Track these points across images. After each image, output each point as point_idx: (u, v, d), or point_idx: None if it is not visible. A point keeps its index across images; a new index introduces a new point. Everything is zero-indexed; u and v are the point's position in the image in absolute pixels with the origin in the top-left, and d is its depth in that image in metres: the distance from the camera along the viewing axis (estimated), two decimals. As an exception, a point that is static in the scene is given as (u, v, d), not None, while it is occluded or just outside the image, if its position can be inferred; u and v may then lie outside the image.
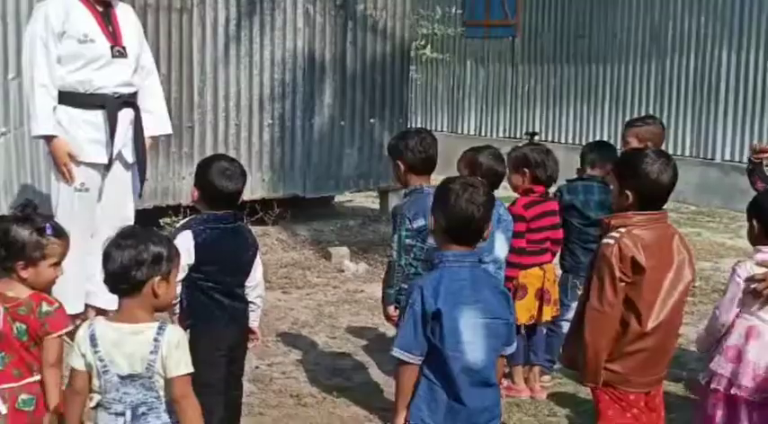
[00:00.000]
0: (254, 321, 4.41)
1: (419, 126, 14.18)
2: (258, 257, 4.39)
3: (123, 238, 3.25)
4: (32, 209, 3.65)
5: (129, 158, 5.89)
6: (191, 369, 3.29)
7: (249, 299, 4.35)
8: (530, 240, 5.26)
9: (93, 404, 3.34)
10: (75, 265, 5.87)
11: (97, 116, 5.71)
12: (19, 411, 3.53)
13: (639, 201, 3.84)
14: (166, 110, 6.21)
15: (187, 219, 4.36)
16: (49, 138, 5.67)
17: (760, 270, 4.01)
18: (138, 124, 5.88)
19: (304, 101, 8.96)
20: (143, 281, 3.20)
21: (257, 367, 5.71)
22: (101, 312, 5.97)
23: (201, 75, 8.37)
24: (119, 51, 5.73)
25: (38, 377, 3.59)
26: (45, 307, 3.58)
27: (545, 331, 5.53)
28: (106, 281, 3.27)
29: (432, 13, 12.62)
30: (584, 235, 5.50)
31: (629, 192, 3.84)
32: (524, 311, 5.25)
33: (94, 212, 5.87)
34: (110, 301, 5.96)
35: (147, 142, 5.99)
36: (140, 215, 7.78)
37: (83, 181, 5.75)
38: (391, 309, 4.78)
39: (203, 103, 8.42)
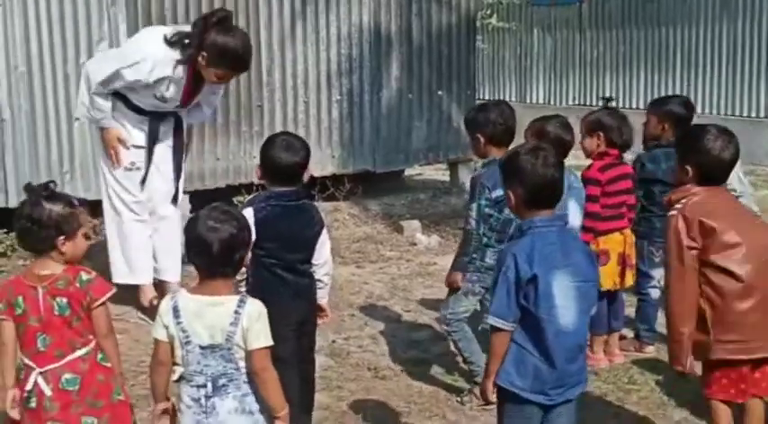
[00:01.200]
0: (322, 297, 4.43)
1: (487, 97, 14.13)
2: (325, 235, 4.39)
3: (213, 220, 3.35)
4: (54, 186, 3.72)
5: (169, 142, 5.99)
6: (270, 342, 3.36)
7: (316, 277, 4.37)
8: (605, 204, 5.21)
9: (176, 377, 3.42)
10: (141, 236, 6.03)
11: (141, 117, 5.84)
12: (63, 391, 3.57)
13: (699, 177, 3.85)
14: (211, 109, 6.27)
15: (252, 196, 4.39)
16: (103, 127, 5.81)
17: None
18: (178, 127, 5.98)
19: (371, 75, 8.96)
20: (241, 259, 3.34)
21: (334, 342, 5.75)
22: (164, 284, 6.10)
23: (269, 54, 8.41)
24: (181, 106, 5.85)
25: (80, 353, 3.61)
26: (84, 276, 3.65)
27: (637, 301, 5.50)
28: (203, 264, 3.36)
29: (497, -17, 12.55)
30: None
31: (689, 167, 3.86)
32: (608, 277, 5.20)
33: (146, 189, 5.98)
34: (174, 274, 6.14)
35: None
36: (213, 194, 7.92)
37: (133, 159, 5.87)
38: (459, 276, 4.80)
39: (271, 82, 8.46)
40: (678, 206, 3.83)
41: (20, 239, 3.71)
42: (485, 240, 4.76)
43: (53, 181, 3.76)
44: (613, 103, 5.63)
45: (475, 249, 4.79)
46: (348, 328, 6.03)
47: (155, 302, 6.10)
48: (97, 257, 6.85)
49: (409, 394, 5.08)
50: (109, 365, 3.69)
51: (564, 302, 3.43)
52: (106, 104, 5.73)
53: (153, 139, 5.89)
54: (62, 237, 3.61)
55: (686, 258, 3.77)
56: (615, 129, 5.28)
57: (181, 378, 3.42)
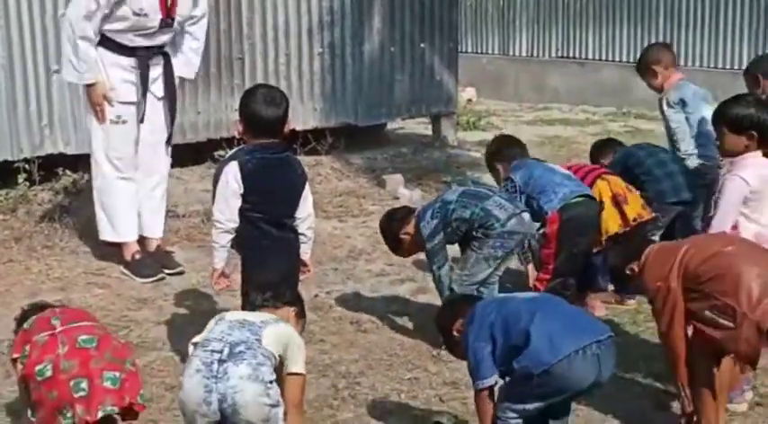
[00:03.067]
0: (305, 253, 4.44)
1: (470, 49, 14.04)
2: (307, 189, 4.39)
3: None
4: None
5: (159, 93, 5.95)
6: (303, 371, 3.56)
7: (300, 231, 4.37)
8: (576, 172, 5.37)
9: (195, 339, 3.44)
10: (126, 192, 6.00)
11: (129, 61, 5.83)
12: (80, 349, 3.57)
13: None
14: (199, 58, 6.23)
15: (234, 150, 4.37)
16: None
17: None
18: (167, 64, 5.96)
19: (353, 27, 8.88)
20: None
21: (316, 296, 5.76)
22: (148, 240, 6.10)
23: (250, 6, 8.31)
24: (167, 22, 5.81)
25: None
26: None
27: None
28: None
29: (479, -67, 12.42)
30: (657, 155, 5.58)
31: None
32: (611, 220, 5.27)
33: (134, 142, 5.95)
34: (158, 231, 6.13)
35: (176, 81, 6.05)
36: (194, 148, 7.88)
37: (118, 113, 5.83)
38: None
39: (252, 34, 8.37)
40: None
41: None
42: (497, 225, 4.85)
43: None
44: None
45: (496, 219, 4.84)
46: (331, 282, 6.04)
47: (137, 256, 6.10)
48: (83, 212, 6.86)
49: (391, 347, 5.10)
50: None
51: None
52: (91, 51, 5.67)
53: (144, 89, 5.83)
54: None
55: None
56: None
57: (195, 344, 3.42)
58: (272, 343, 3.40)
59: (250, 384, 3.31)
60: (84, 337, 3.57)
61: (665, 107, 5.74)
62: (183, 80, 6.24)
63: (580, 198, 5.13)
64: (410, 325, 5.37)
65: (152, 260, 6.12)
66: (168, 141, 6.13)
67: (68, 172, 7.34)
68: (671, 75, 5.82)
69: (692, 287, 3.78)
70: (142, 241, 6.17)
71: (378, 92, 9.12)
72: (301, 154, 7.74)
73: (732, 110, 4.36)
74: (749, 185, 4.21)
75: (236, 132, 4.39)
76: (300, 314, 3.82)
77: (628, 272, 4.05)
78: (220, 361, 3.32)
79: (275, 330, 3.47)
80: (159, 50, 5.93)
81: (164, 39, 5.91)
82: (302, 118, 8.51)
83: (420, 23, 9.29)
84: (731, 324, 3.65)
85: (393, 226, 5.14)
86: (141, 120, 5.92)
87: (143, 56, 5.83)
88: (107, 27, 5.72)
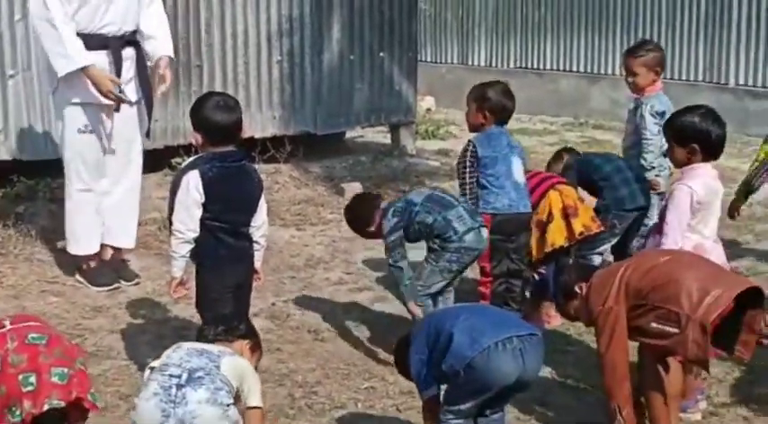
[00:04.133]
0: (257, 261, 4.43)
1: (429, 59, 14.09)
2: (263, 197, 4.39)
3: None
4: None
5: (133, 96, 5.87)
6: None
7: (254, 238, 4.37)
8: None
9: (153, 364, 3.43)
10: (89, 205, 5.93)
11: (100, 55, 5.69)
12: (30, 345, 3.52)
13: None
14: (170, 34, 6.07)
15: (192, 158, 4.35)
16: (84, 70, 5.61)
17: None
18: (140, 62, 5.85)
19: (312, 36, 8.87)
20: None
21: (273, 304, 5.74)
22: (116, 250, 6.03)
23: (208, 12, 8.28)
24: None
25: None
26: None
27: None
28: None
29: (439, -57, 12.47)
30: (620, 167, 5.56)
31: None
32: (558, 232, 5.26)
33: (100, 152, 5.88)
34: (127, 240, 6.07)
35: (164, 63, 5.84)
36: (151, 155, 7.81)
37: (86, 122, 5.76)
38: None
39: (210, 41, 8.34)
40: None
41: None
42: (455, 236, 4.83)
43: None
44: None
45: (454, 232, 4.82)
46: (288, 290, 6.03)
47: (92, 264, 6.05)
48: (37, 219, 6.81)
49: (349, 356, 5.09)
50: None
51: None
52: (73, 35, 5.54)
53: (117, 72, 5.70)
54: None
55: None
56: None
57: (152, 368, 3.40)
58: (229, 374, 3.40)
59: (208, 407, 3.29)
60: (34, 334, 3.53)
61: (645, 114, 5.64)
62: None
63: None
64: (368, 334, 5.37)
65: (108, 269, 6.06)
66: (140, 145, 6.05)
67: (23, 178, 7.27)
68: (657, 81, 5.80)
69: (636, 303, 3.84)
70: (114, 251, 6.10)
71: (337, 100, 9.12)
72: (260, 162, 7.73)
73: (676, 122, 4.44)
74: (697, 195, 4.27)
75: (193, 141, 4.36)
76: (255, 347, 3.82)
77: (577, 290, 4.09)
78: (179, 386, 3.30)
79: (232, 361, 3.47)
80: (131, 40, 5.79)
81: (125, 14, 5.73)
82: (261, 125, 8.49)
83: (379, 33, 9.31)
84: (677, 330, 3.71)
85: (359, 223, 5.18)
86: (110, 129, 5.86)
87: (115, 47, 5.69)
88: (64, 13, 5.56)
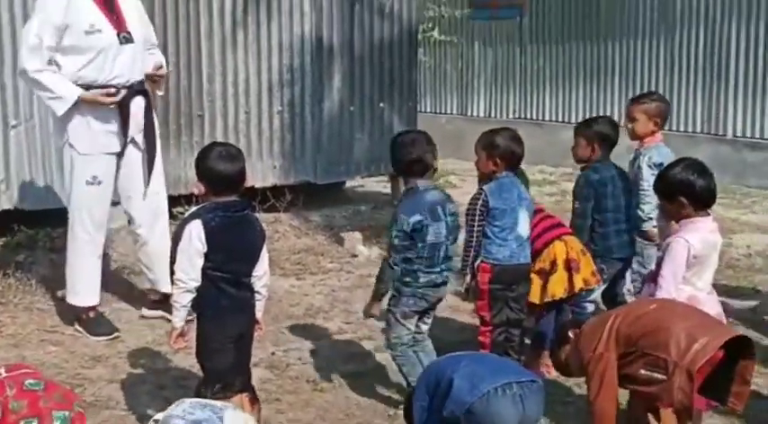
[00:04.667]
0: (258, 310, 4.43)
1: (428, 109, 14.19)
2: (264, 247, 4.40)
3: None
4: None
5: (143, 144, 5.94)
6: None
7: (255, 288, 4.37)
8: (539, 224, 5.25)
9: (157, 417, 3.45)
10: (92, 257, 5.96)
11: (109, 107, 5.73)
12: (28, 391, 3.53)
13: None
14: (164, 59, 6.23)
15: (195, 208, 4.37)
16: (80, 99, 5.67)
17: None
18: (148, 111, 5.91)
19: (313, 86, 8.95)
20: None
21: (273, 354, 5.73)
22: (165, 296, 5.99)
23: (210, 63, 8.36)
24: (125, 37, 5.77)
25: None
26: None
27: (571, 312, 5.55)
28: None
29: (438, -4, 12.60)
30: (618, 214, 5.52)
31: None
32: (559, 284, 5.24)
33: (107, 203, 5.93)
34: (165, 282, 6.08)
35: (161, 72, 6.01)
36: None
37: (95, 174, 5.79)
38: (376, 306, 4.96)
39: (212, 91, 8.41)
40: None
41: None
42: (414, 267, 4.79)
43: None
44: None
45: (405, 274, 4.80)
46: (287, 340, 6.01)
47: (90, 314, 6.04)
48: (37, 268, 6.81)
49: (347, 407, 5.07)
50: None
51: None
52: (54, 76, 5.62)
53: (125, 121, 5.78)
54: None
55: None
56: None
57: (156, 421, 3.40)
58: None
59: None
60: (30, 380, 3.55)
61: (643, 165, 5.68)
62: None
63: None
64: (367, 385, 5.35)
65: (106, 318, 6.07)
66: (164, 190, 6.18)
67: (24, 228, 7.29)
68: (656, 132, 5.82)
69: (626, 350, 3.86)
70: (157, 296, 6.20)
71: (337, 150, 9.17)
72: (260, 211, 7.75)
73: (661, 178, 4.48)
74: (693, 249, 4.28)
75: (195, 190, 4.38)
76: (254, 400, 3.83)
77: (570, 335, 4.12)
78: None
79: (235, 415, 3.46)
80: (139, 89, 5.85)
81: (134, 65, 5.80)
82: (261, 175, 8.53)
83: (379, 83, 9.38)
84: (664, 376, 3.74)
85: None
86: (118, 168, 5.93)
87: (123, 96, 5.75)
88: (74, 66, 5.65)
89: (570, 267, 5.28)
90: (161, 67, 6.05)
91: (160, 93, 6.27)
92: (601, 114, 12.49)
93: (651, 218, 5.64)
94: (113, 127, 5.79)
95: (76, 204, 5.88)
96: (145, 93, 5.89)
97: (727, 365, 3.82)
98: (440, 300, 5.01)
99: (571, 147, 5.62)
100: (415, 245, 4.76)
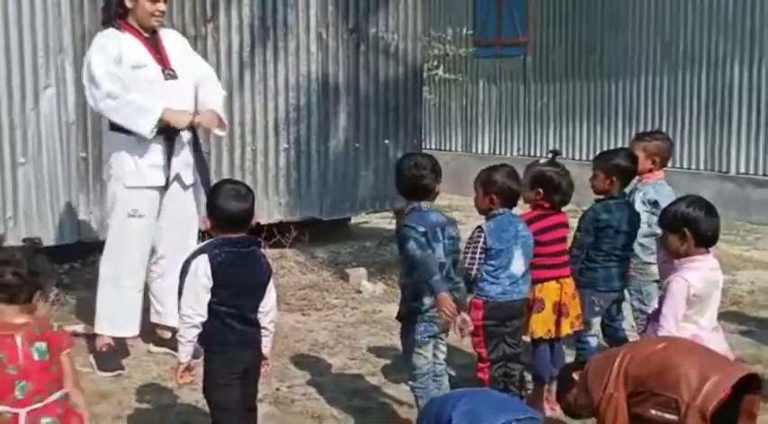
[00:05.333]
0: (265, 346, 4.45)
1: (434, 147, 14.28)
2: (271, 282, 4.44)
3: None
4: (39, 242, 3.75)
5: (188, 180, 6.01)
6: None
7: (262, 324, 4.40)
8: (541, 253, 5.25)
9: None
10: (133, 291, 6.02)
11: (155, 139, 5.85)
12: None
13: None
14: (222, 108, 6.25)
15: (202, 244, 4.42)
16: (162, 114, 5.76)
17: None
18: (196, 145, 6.04)
19: (319, 124, 9.03)
20: None
21: (278, 389, 5.74)
22: (174, 331, 6.03)
23: (216, 101, 8.43)
24: (169, 74, 5.92)
25: (56, 396, 3.63)
26: (54, 324, 3.71)
27: (576, 348, 5.58)
28: None
29: (443, 34, 12.72)
30: (613, 252, 5.54)
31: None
32: (542, 324, 5.28)
33: (149, 238, 6.00)
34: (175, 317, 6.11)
35: (209, 117, 6.02)
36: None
37: (136, 206, 5.88)
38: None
39: (219, 129, 8.47)
40: None
41: (5, 286, 3.61)
42: (417, 288, 4.81)
43: (39, 238, 3.80)
44: (560, 157, 5.70)
45: (410, 297, 4.83)
46: (292, 376, 6.03)
47: (104, 349, 6.08)
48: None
49: (352, 443, 5.09)
50: (80, 411, 3.72)
51: None
52: (135, 97, 5.71)
53: (169, 155, 5.86)
54: (39, 292, 3.64)
55: None
56: (555, 187, 5.37)
57: None
58: None
59: None
60: (46, 420, 3.59)
61: (637, 200, 5.77)
62: None
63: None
64: (371, 421, 5.37)
65: (116, 355, 6.10)
66: (196, 229, 6.17)
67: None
68: (656, 170, 5.89)
69: (636, 390, 3.85)
70: (162, 329, 6.25)
71: (342, 187, 9.24)
72: (266, 247, 7.75)
73: (667, 211, 4.51)
74: (693, 288, 4.31)
75: (203, 226, 4.44)
76: None
77: (574, 376, 4.12)
78: None
79: None
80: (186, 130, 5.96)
81: (179, 100, 5.90)
82: (267, 211, 8.59)
83: (384, 121, 9.46)
84: (675, 417, 3.72)
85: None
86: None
87: (169, 129, 5.84)
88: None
89: (560, 311, 5.32)
90: (212, 119, 6.05)
91: (221, 133, 6.31)
92: (604, 149, 12.61)
93: (651, 263, 5.65)
94: (159, 160, 5.89)
95: (119, 236, 5.96)
96: (191, 128, 5.99)
97: (732, 399, 3.82)
98: (448, 322, 4.99)
99: (589, 179, 5.66)
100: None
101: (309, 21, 8.85)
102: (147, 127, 5.74)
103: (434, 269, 4.60)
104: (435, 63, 12.66)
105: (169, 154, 5.91)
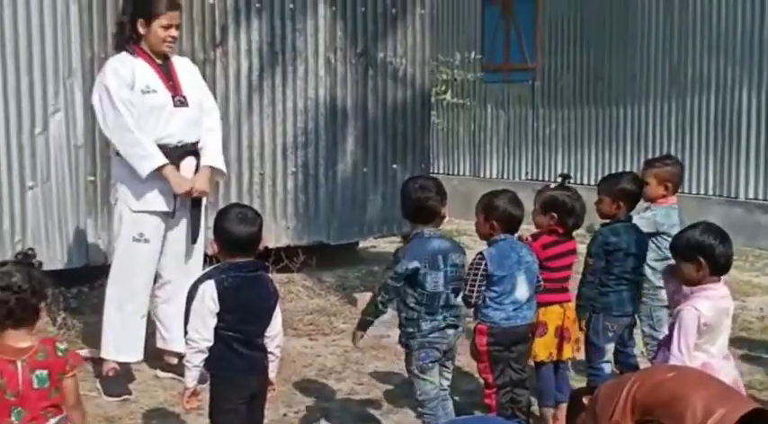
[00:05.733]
0: (271, 371, 4.44)
1: (441, 171, 14.28)
2: (278, 307, 4.43)
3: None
4: (33, 253, 3.74)
5: (189, 203, 6.02)
6: None
7: (268, 349, 4.39)
8: (547, 278, 5.26)
9: None
10: (136, 316, 6.00)
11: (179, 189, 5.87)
12: None
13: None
14: (220, 146, 6.27)
15: (209, 269, 4.41)
16: (160, 169, 5.79)
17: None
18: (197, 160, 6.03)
19: (327, 148, 9.04)
20: None
21: (285, 415, 5.72)
22: (180, 357, 6.01)
23: (225, 126, 8.43)
24: (180, 100, 5.92)
25: (52, 422, 3.62)
26: (60, 346, 3.68)
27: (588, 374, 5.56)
28: None
29: (451, 59, 12.73)
30: (623, 275, 5.52)
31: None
32: (544, 348, 5.29)
33: (154, 263, 5.99)
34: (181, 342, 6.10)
35: (201, 173, 6.03)
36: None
37: (141, 231, 5.87)
38: (359, 335, 5.03)
39: (227, 153, 8.43)
40: None
41: (1, 304, 3.58)
42: (414, 314, 4.80)
43: (32, 249, 3.78)
44: (570, 181, 5.70)
45: (408, 323, 4.82)
46: (299, 401, 6.01)
47: (110, 374, 6.06)
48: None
49: (360, 469, 5.06)
50: None
51: None
52: (144, 137, 5.73)
53: (175, 197, 5.86)
54: (43, 303, 3.65)
55: None
56: (569, 211, 5.37)
57: None
58: None
59: None
60: None
61: (647, 225, 5.76)
62: None
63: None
64: (379, 446, 5.34)
65: (122, 379, 6.09)
66: (201, 254, 6.18)
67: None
68: (668, 195, 5.88)
69: (642, 419, 3.83)
70: (168, 355, 6.25)
71: (350, 211, 9.23)
72: (273, 272, 7.77)
73: (680, 239, 4.48)
74: (704, 317, 4.29)
75: (210, 250, 4.43)
76: None
77: (584, 401, 4.10)
78: None
79: None
80: (190, 150, 5.97)
81: (187, 127, 5.93)
82: (275, 236, 8.58)
83: (393, 145, 9.47)
84: None
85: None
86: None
87: (174, 157, 5.85)
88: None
89: (562, 335, 5.32)
90: (203, 174, 6.06)
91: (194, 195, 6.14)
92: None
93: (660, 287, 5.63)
94: (166, 186, 5.87)
95: (124, 260, 5.95)
96: (196, 154, 6.00)
97: None
98: (451, 348, 4.98)
99: (594, 203, 5.64)
100: (414, 292, 4.77)
101: (318, 45, 8.88)
102: (145, 170, 5.77)
103: (380, 309, 4.87)
104: (443, 87, 12.67)
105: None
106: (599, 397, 4.01)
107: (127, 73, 5.82)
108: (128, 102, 5.76)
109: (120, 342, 6.03)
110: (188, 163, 5.97)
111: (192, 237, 6.05)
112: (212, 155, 6.11)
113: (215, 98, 8.27)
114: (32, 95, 7.32)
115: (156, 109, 5.84)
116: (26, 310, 3.58)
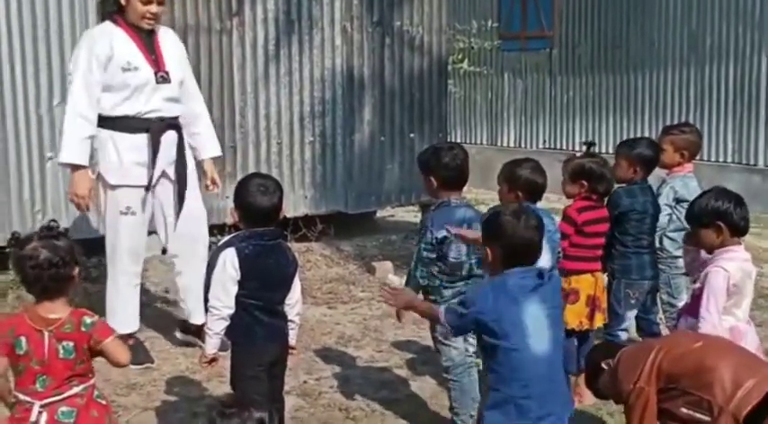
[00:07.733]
0: (292, 338, 4.48)
1: (459, 139, 14.25)
2: (297, 275, 4.45)
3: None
4: (57, 224, 3.78)
5: (173, 176, 6.00)
6: None
7: (288, 317, 4.42)
8: (579, 244, 5.26)
9: None
10: (129, 287, 6.03)
11: (142, 138, 5.82)
12: (58, 422, 3.61)
13: None
14: (213, 131, 6.32)
15: (229, 237, 4.43)
16: (74, 167, 5.76)
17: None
18: (180, 144, 5.99)
19: (344, 117, 9.04)
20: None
21: (305, 382, 5.76)
22: (199, 328, 6.03)
23: (242, 96, 8.47)
24: (162, 77, 5.84)
25: (77, 389, 3.67)
26: (88, 320, 3.70)
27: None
28: None
29: (468, 27, 12.70)
30: (640, 240, 5.52)
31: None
32: (575, 316, 5.26)
33: (144, 235, 6.00)
34: (199, 314, 6.15)
35: (209, 167, 6.24)
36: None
37: (128, 204, 5.87)
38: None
39: (245, 123, 8.51)
40: None
41: (35, 281, 3.64)
42: (437, 282, 4.81)
43: (54, 220, 3.81)
44: (594, 148, 5.68)
45: (431, 290, 4.83)
46: (319, 368, 6.05)
47: (130, 342, 6.10)
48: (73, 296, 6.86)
49: (380, 435, 5.09)
50: (104, 402, 3.77)
51: (535, 330, 3.56)
52: (84, 130, 5.69)
53: (155, 154, 5.83)
54: (78, 269, 3.68)
55: None
56: (599, 177, 5.35)
57: None
58: None
59: None
60: (64, 409, 3.64)
61: (666, 196, 5.75)
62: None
63: None
64: (399, 412, 5.37)
65: (143, 347, 6.13)
66: (205, 225, 6.25)
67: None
68: (685, 164, 5.86)
69: (667, 386, 3.83)
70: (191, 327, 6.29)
71: (368, 180, 9.25)
72: (291, 241, 7.81)
73: (695, 207, 4.45)
74: (733, 278, 4.27)
75: (231, 219, 4.45)
76: None
77: (604, 366, 4.10)
78: None
79: None
80: (172, 123, 5.93)
81: (169, 103, 5.89)
82: (293, 205, 8.61)
83: (410, 114, 9.46)
84: (708, 418, 3.69)
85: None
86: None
87: (156, 130, 5.81)
88: (110, 101, 5.73)
89: (594, 304, 5.31)
90: (213, 170, 6.31)
91: (212, 191, 6.43)
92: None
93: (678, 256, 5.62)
94: (144, 159, 5.84)
95: (112, 233, 5.96)
96: (177, 128, 5.97)
97: (764, 401, 3.77)
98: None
99: (612, 165, 5.62)
100: (438, 261, 4.78)
101: (334, 14, 8.86)
102: (62, 157, 5.79)
103: (419, 282, 4.81)
104: (460, 56, 12.63)
105: (154, 153, 5.85)
106: (621, 362, 4.02)
107: (104, 49, 5.69)
108: (94, 84, 5.68)
109: (116, 313, 6.04)
110: (169, 137, 5.91)
111: (178, 209, 6.04)
112: (212, 146, 6.26)
113: (231, 68, 8.35)
114: (50, 66, 7.34)
115: (138, 87, 5.75)
116: (60, 281, 3.62)
